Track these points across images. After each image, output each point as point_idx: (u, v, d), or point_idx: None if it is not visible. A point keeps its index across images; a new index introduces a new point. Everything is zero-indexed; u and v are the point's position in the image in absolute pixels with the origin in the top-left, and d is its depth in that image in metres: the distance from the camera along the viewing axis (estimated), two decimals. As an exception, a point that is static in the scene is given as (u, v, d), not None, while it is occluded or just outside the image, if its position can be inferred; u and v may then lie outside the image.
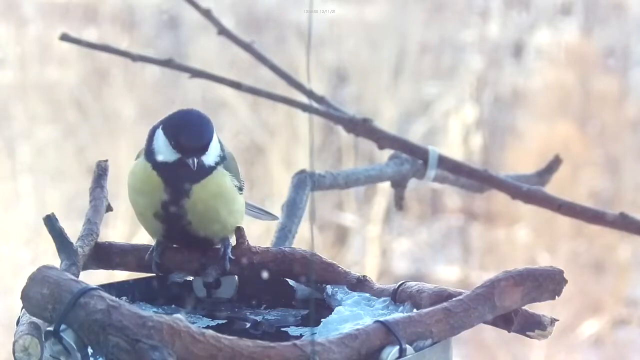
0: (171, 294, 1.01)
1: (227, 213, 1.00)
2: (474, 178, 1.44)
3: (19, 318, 0.84)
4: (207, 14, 1.44)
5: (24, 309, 0.81)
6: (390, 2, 4.62)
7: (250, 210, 1.10)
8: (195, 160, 0.97)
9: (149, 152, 0.99)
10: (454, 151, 4.18)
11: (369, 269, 4.15)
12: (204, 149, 0.98)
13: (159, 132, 0.99)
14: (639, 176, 4.32)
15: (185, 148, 0.97)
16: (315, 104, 1.44)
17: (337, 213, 4.38)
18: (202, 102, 4.07)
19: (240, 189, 1.02)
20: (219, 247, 1.00)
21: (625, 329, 4.23)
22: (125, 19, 4.35)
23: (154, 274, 1.01)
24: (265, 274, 0.99)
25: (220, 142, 1.00)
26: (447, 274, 4.39)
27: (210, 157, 0.98)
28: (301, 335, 0.93)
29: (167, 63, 1.40)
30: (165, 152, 0.98)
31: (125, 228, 3.78)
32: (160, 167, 0.98)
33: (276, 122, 4.24)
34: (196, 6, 1.43)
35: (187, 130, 0.98)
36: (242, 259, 0.99)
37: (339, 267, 0.98)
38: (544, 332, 0.90)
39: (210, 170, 0.98)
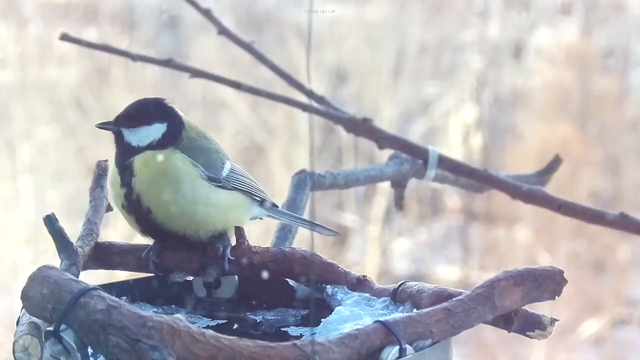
0: (171, 294, 1.01)
1: (190, 200, 1.00)
2: (474, 178, 1.44)
3: (19, 318, 0.83)
4: (207, 14, 1.44)
5: (24, 309, 0.81)
6: (390, 2, 4.62)
7: (291, 219, 1.14)
8: (111, 124, 1.04)
9: None
10: (454, 151, 4.18)
11: (369, 269, 4.15)
12: (127, 121, 1.03)
13: None
14: (639, 176, 4.32)
15: (117, 115, 1.04)
16: (315, 104, 1.44)
17: (337, 213, 4.38)
18: (202, 102, 4.07)
19: (218, 180, 1.02)
20: (219, 247, 1.00)
21: (625, 329, 4.23)
22: (125, 19, 4.35)
23: (154, 274, 1.01)
24: (265, 274, 0.99)
25: (175, 131, 1.03)
26: (447, 274, 4.39)
27: (133, 136, 1.02)
28: (301, 335, 0.93)
29: (167, 63, 1.40)
30: None
31: (125, 228, 3.77)
32: (115, 158, 1.03)
33: (276, 122, 4.24)
34: (196, 6, 1.43)
35: (130, 104, 1.05)
36: (242, 259, 0.99)
37: (339, 267, 0.98)
38: (544, 332, 0.90)
39: (141, 149, 1.02)
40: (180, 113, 1.06)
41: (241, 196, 1.03)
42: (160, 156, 1.01)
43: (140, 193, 0.99)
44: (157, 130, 1.02)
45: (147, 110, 1.04)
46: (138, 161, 1.00)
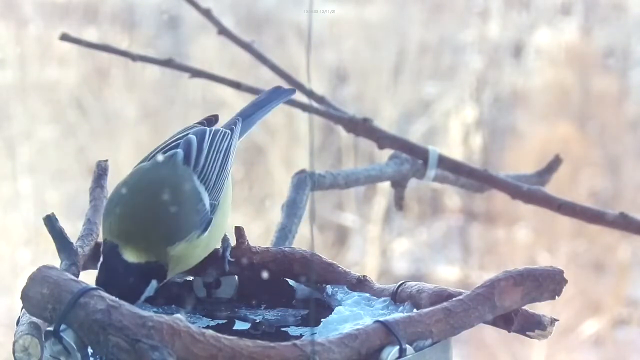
0: (171, 294, 1.01)
1: (198, 257, 0.95)
2: (474, 178, 1.44)
3: (19, 318, 0.83)
4: (207, 13, 1.44)
5: (24, 309, 0.81)
6: (390, 2, 4.62)
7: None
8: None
9: None
10: (454, 151, 4.19)
11: (369, 269, 4.15)
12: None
13: None
14: (639, 176, 4.32)
15: None
16: (315, 104, 1.44)
17: (337, 213, 4.38)
18: (202, 102, 4.07)
19: (209, 221, 0.93)
20: (219, 247, 1.00)
21: (625, 329, 4.23)
22: (125, 19, 4.35)
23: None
24: (265, 274, 0.99)
25: (163, 270, 0.90)
26: (447, 274, 4.39)
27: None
28: (301, 335, 0.93)
29: (167, 63, 1.40)
30: None
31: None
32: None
33: (276, 122, 4.24)
34: (196, 6, 1.43)
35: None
36: (242, 259, 0.99)
37: (339, 267, 0.98)
38: (544, 332, 0.90)
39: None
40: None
41: (227, 200, 0.97)
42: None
43: None
44: (152, 288, 0.91)
45: (132, 284, 0.89)
46: None
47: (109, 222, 0.91)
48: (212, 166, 0.94)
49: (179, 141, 0.95)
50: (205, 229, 0.93)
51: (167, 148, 0.95)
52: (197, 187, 0.92)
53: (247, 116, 1.04)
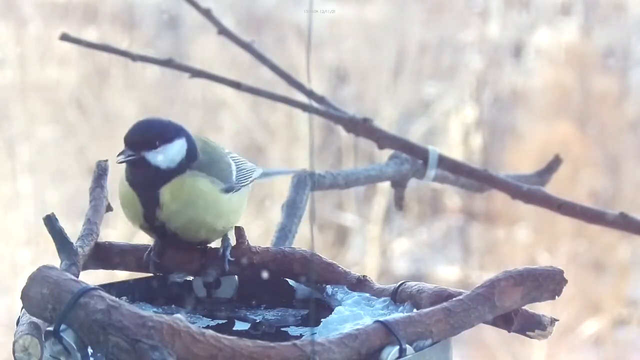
0: (171, 294, 1.01)
1: (213, 217, 0.98)
2: (474, 178, 1.44)
3: (19, 318, 0.83)
4: (207, 14, 1.44)
5: (24, 309, 0.81)
6: (390, 2, 4.62)
7: (273, 173, 1.13)
8: (128, 152, 0.94)
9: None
10: (454, 151, 4.19)
11: (369, 269, 4.15)
12: (139, 144, 0.94)
13: None
14: (639, 176, 4.32)
15: (125, 140, 0.95)
16: (315, 104, 1.44)
17: (337, 213, 4.38)
18: (202, 102, 4.07)
19: (231, 188, 0.99)
20: (219, 247, 1.00)
21: (625, 329, 4.23)
22: (125, 19, 4.35)
23: (154, 274, 1.01)
24: (265, 274, 0.99)
25: (193, 147, 0.97)
26: (447, 274, 4.39)
27: (160, 157, 0.95)
28: (301, 335, 0.93)
29: (167, 63, 1.40)
30: None
31: (125, 228, 3.78)
32: (129, 179, 0.97)
33: (276, 122, 4.25)
34: (196, 6, 1.43)
35: (130, 129, 0.96)
36: (242, 259, 0.99)
37: (339, 267, 0.98)
38: (544, 332, 0.90)
39: (170, 173, 0.96)
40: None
41: (246, 190, 1.03)
42: (186, 185, 0.96)
43: (166, 222, 0.96)
44: (180, 147, 0.96)
45: (161, 128, 0.96)
46: (165, 194, 0.95)
47: None
48: (241, 161, 1.03)
49: None
50: (225, 191, 0.97)
51: None
52: (231, 158, 1.01)
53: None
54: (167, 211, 0.96)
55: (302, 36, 4.18)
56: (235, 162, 1.02)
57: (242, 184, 1.02)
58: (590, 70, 4.49)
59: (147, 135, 0.95)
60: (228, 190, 0.99)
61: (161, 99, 4.20)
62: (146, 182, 0.96)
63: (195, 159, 0.97)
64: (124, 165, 0.97)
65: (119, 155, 0.95)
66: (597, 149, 4.39)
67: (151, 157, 0.95)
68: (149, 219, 0.97)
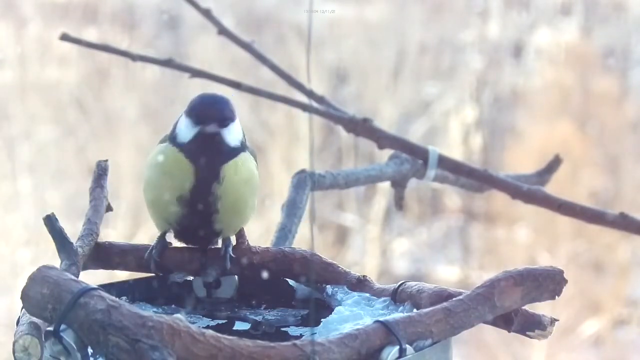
0: (171, 294, 1.01)
1: (251, 207, 0.99)
2: (474, 178, 1.44)
3: (19, 318, 0.83)
4: (207, 14, 1.44)
5: (24, 309, 0.81)
6: (390, 2, 4.62)
7: None
8: (215, 127, 0.95)
9: (172, 138, 0.98)
10: (454, 151, 4.19)
11: (369, 269, 4.15)
12: (224, 120, 0.96)
13: (182, 117, 0.98)
14: (639, 176, 4.32)
15: (204, 117, 0.96)
16: (315, 104, 1.44)
17: (337, 213, 4.38)
18: (202, 102, 4.07)
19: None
20: (220, 246, 1.00)
21: (625, 329, 4.23)
22: (125, 19, 4.35)
23: (154, 274, 1.01)
24: (265, 274, 0.99)
25: (242, 130, 0.99)
26: (447, 274, 4.39)
27: (231, 135, 0.97)
28: (301, 335, 0.93)
29: (167, 63, 1.40)
30: (186, 131, 0.97)
31: (125, 228, 3.79)
32: (185, 148, 0.96)
33: (276, 122, 4.25)
34: (196, 6, 1.43)
35: (207, 103, 0.97)
36: (242, 259, 0.99)
37: (339, 267, 0.98)
38: (544, 332, 0.90)
39: (235, 150, 0.97)
40: None
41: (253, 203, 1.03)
42: (248, 163, 0.98)
43: (221, 196, 0.96)
44: (240, 127, 0.98)
45: (232, 106, 0.98)
46: (229, 169, 0.96)
47: None
48: None
49: None
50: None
51: None
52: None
53: None
54: (227, 185, 0.96)
55: (302, 36, 4.18)
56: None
57: None
58: (590, 70, 4.49)
59: (226, 113, 0.97)
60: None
61: (161, 99, 4.20)
62: (214, 157, 0.96)
63: (246, 144, 0.99)
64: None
65: (207, 127, 0.95)
66: (597, 149, 4.39)
67: (226, 135, 0.97)
68: (199, 193, 0.96)
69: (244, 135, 0.99)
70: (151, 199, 0.99)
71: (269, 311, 1.00)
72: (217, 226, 0.98)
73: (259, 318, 0.98)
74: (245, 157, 0.98)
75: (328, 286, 0.96)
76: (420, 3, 4.59)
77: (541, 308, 0.89)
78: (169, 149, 0.97)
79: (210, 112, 0.96)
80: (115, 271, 1.03)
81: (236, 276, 1.01)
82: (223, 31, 1.45)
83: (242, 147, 0.98)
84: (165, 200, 0.98)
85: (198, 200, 0.97)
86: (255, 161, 1.00)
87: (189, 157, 0.96)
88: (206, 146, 0.96)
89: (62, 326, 0.78)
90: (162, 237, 1.00)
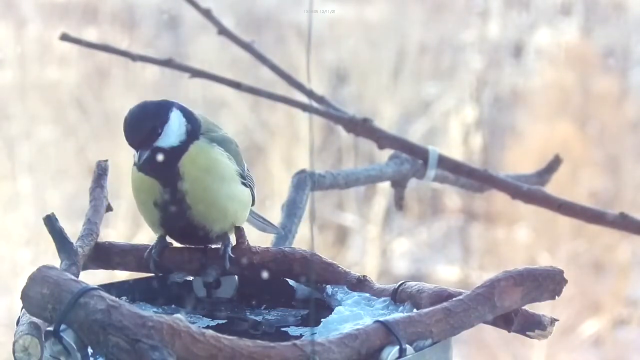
0: (171, 294, 1.01)
1: (225, 195, 0.99)
2: (474, 178, 1.44)
3: (19, 318, 0.83)
4: (207, 14, 1.44)
5: (24, 309, 0.81)
6: (390, 2, 4.62)
7: (254, 219, 1.10)
8: (143, 153, 0.96)
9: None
10: (454, 151, 4.19)
11: (369, 269, 4.15)
12: (149, 136, 0.96)
13: None
14: (639, 176, 4.32)
15: (132, 143, 0.97)
16: (315, 104, 1.44)
17: (337, 213, 4.38)
18: (202, 102, 4.07)
19: (243, 177, 1.01)
20: (219, 246, 1.00)
21: (625, 329, 4.23)
22: (125, 19, 4.35)
23: (154, 274, 1.01)
24: (265, 274, 0.99)
25: (188, 112, 0.99)
26: (447, 274, 4.39)
27: (170, 137, 0.97)
28: (301, 335, 0.93)
29: (167, 63, 1.40)
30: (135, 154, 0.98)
31: (125, 228, 3.79)
32: (141, 169, 0.98)
33: (276, 122, 4.24)
34: (196, 6, 1.43)
35: (125, 129, 0.97)
36: (242, 259, 0.99)
37: (339, 267, 0.98)
38: (544, 332, 0.90)
39: (184, 144, 0.98)
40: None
41: (251, 193, 1.03)
42: (204, 150, 0.98)
43: (187, 192, 0.97)
44: (178, 119, 0.98)
45: (152, 113, 0.97)
46: (185, 163, 0.97)
47: None
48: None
49: None
50: (239, 174, 1.00)
51: None
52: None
53: None
54: (188, 178, 0.97)
55: (302, 36, 4.18)
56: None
57: (250, 184, 1.03)
58: (590, 70, 4.49)
59: (146, 128, 0.96)
60: (241, 176, 1.01)
61: (161, 99, 4.20)
62: (165, 162, 0.97)
63: (198, 123, 0.99)
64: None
65: (137, 160, 0.96)
66: (597, 149, 4.39)
67: (163, 143, 0.97)
68: (169, 194, 0.98)
69: (191, 122, 0.99)
70: (138, 208, 1.01)
71: (269, 311, 1.00)
72: (197, 221, 0.99)
73: (259, 318, 0.98)
74: (199, 147, 0.98)
75: (328, 286, 0.96)
76: (420, 3, 4.59)
77: (541, 308, 0.89)
78: (133, 169, 1.00)
79: (130, 141, 0.97)
80: (115, 271, 1.03)
81: (236, 276, 1.01)
82: (223, 31, 1.45)
83: (192, 137, 0.98)
84: (146, 207, 1.00)
85: (170, 201, 0.98)
86: (223, 146, 1.00)
87: (147, 174, 0.98)
88: (152, 161, 0.97)
89: (62, 326, 0.78)
90: (161, 237, 1.01)
